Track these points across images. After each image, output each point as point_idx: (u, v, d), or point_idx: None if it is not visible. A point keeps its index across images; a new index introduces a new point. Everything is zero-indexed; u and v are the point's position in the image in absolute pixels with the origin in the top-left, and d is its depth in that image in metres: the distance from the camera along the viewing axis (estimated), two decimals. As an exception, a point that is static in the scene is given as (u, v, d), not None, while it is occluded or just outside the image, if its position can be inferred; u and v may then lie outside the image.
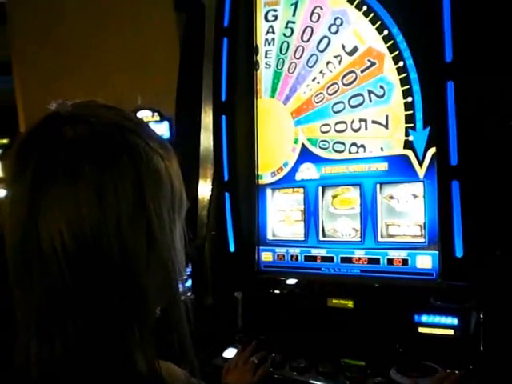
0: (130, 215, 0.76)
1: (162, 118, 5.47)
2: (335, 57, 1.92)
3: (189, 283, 2.46)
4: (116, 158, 0.77)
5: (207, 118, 2.24)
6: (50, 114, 0.81)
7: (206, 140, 2.25)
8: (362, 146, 1.85)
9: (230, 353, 1.92)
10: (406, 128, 1.76)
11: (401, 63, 1.77)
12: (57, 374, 0.75)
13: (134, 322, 0.79)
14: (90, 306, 0.75)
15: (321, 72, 1.95)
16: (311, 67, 1.97)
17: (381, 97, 1.82)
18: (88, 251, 0.74)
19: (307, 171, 1.97)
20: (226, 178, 2.13)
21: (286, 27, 2.04)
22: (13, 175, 0.78)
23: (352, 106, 1.88)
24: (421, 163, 1.73)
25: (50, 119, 0.80)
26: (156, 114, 5.50)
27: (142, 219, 0.78)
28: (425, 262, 1.72)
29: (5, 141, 6.33)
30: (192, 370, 0.88)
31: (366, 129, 1.85)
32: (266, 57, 2.09)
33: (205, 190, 2.24)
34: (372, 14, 1.83)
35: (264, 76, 2.10)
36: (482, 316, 1.58)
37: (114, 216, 0.75)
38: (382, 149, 1.81)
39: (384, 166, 1.80)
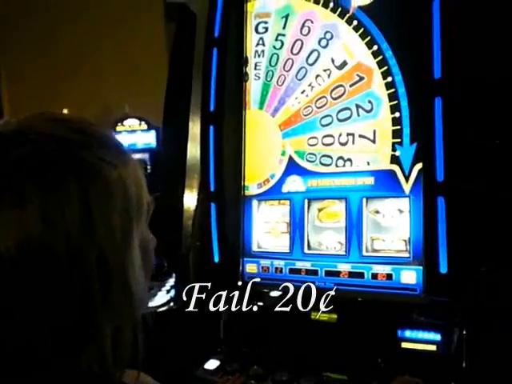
0: (79, 236, 0.74)
1: (150, 127, 5.48)
2: (324, 70, 1.92)
3: (172, 293, 2.46)
4: (60, 179, 0.74)
5: (195, 128, 2.24)
6: None
7: (193, 150, 2.24)
8: (349, 159, 1.85)
9: (211, 364, 1.91)
10: (393, 143, 1.76)
11: (389, 78, 1.78)
12: None
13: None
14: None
15: (310, 85, 1.96)
16: (300, 80, 1.98)
17: (369, 111, 1.82)
18: (35, 278, 0.73)
19: (294, 183, 1.97)
20: (212, 189, 2.13)
21: (276, 39, 2.05)
22: None
23: (340, 120, 1.88)
24: (407, 178, 1.73)
25: None
26: (143, 122, 5.52)
27: (93, 240, 0.75)
28: (409, 277, 1.72)
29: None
30: None
31: (353, 143, 1.85)
32: (255, 68, 2.10)
33: (190, 200, 2.23)
34: (362, 29, 1.83)
35: (253, 87, 2.10)
36: (464, 332, 1.59)
37: (62, 242, 0.73)
38: (368, 163, 1.81)
39: (370, 180, 1.81)
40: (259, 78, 2.09)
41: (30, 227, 0.71)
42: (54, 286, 0.73)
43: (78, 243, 0.74)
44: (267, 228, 2.05)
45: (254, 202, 2.08)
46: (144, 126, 5.53)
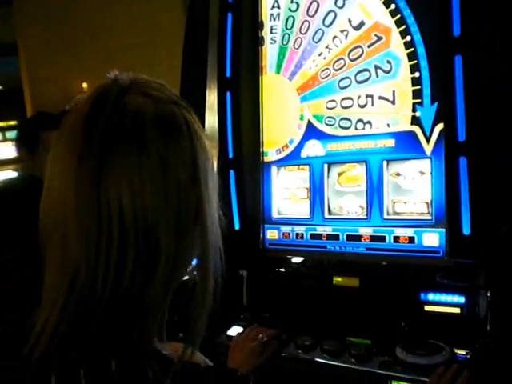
0: (187, 187, 0.80)
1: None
2: (341, 31, 1.88)
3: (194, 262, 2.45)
4: (178, 130, 0.81)
5: (212, 96, 2.21)
6: (108, 83, 0.82)
7: (211, 118, 2.22)
8: (369, 122, 1.82)
9: (234, 331, 1.91)
10: (414, 104, 1.73)
11: (408, 38, 1.73)
12: (66, 345, 0.75)
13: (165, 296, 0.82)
14: (131, 265, 0.76)
15: (327, 47, 1.92)
16: (317, 42, 1.94)
17: (388, 72, 1.78)
18: (143, 216, 0.76)
19: (313, 148, 1.95)
20: (230, 156, 2.11)
21: (292, 2, 2.00)
22: (79, 144, 0.77)
23: (358, 82, 1.85)
24: (428, 139, 1.70)
25: (110, 88, 0.81)
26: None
27: (195, 192, 0.81)
28: (431, 239, 1.70)
29: (12, 122, 6.32)
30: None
31: (372, 105, 1.82)
32: (271, 32, 2.06)
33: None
34: (379, -12, 1.79)
35: (269, 52, 2.07)
36: (488, 294, 1.57)
37: (175, 187, 0.78)
38: (388, 125, 1.78)
39: (391, 142, 1.78)
40: (275, 41, 2.05)
41: (149, 173, 0.76)
42: (156, 227, 0.77)
43: (185, 190, 0.80)
44: (287, 194, 2.04)
45: (273, 168, 2.06)
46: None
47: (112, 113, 0.77)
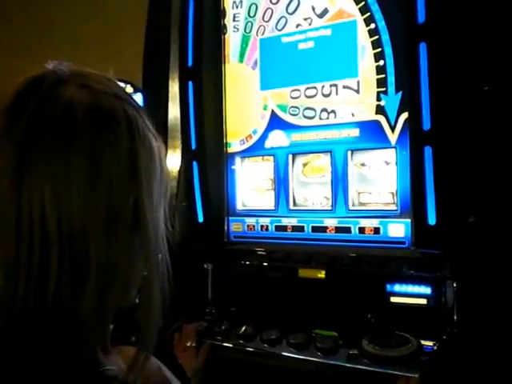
0: (121, 186, 0.73)
1: (136, 90, 5.38)
2: (305, 19, 1.85)
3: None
4: (114, 124, 0.74)
5: (175, 87, 2.17)
6: (45, 72, 0.76)
7: (174, 110, 2.17)
8: (333, 111, 1.80)
9: (200, 326, 1.88)
10: (378, 92, 1.71)
11: (372, 25, 1.71)
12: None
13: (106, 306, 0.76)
14: (56, 272, 0.69)
15: (290, 35, 1.88)
16: (280, 30, 1.90)
17: (352, 60, 1.76)
18: (68, 217, 0.69)
19: (277, 138, 1.91)
20: (193, 147, 2.06)
21: (255, -11, 1.96)
22: (1, 130, 0.72)
23: (322, 71, 1.82)
24: (393, 129, 1.68)
25: (45, 77, 0.75)
26: (129, 85, 5.41)
27: (133, 192, 0.75)
28: (397, 230, 1.68)
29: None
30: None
31: (336, 94, 1.79)
32: (234, 20, 2.02)
33: (174, 161, 2.17)
34: (343, -26, 1.76)
35: (232, 40, 2.03)
36: (455, 285, 1.55)
37: (105, 184, 0.71)
38: (353, 114, 1.76)
39: (355, 132, 1.75)
40: (238, 29, 2.01)
41: (76, 170, 0.70)
42: (85, 228, 0.71)
43: (119, 191, 0.73)
44: (251, 185, 2.00)
45: (237, 159, 2.02)
46: (130, 88, 5.42)
47: (40, 104, 0.71)
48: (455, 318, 1.56)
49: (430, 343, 1.55)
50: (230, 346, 1.80)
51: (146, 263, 0.79)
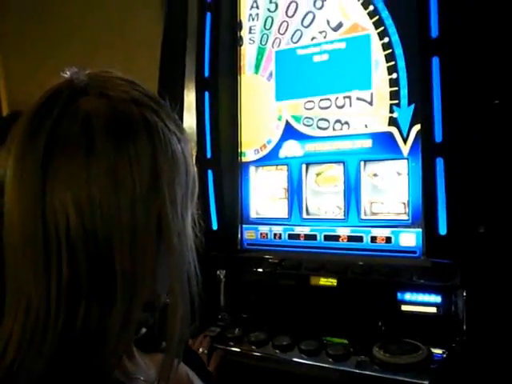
0: (144, 199, 0.72)
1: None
2: (320, 32, 1.89)
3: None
4: (134, 134, 0.73)
5: (190, 96, 2.20)
6: (62, 83, 0.76)
7: (189, 119, 2.21)
8: (346, 122, 1.83)
9: (212, 332, 1.91)
10: (391, 105, 1.74)
11: (386, 39, 1.75)
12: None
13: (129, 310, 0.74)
14: (86, 292, 0.70)
15: (305, 48, 1.92)
16: (295, 43, 1.94)
17: (366, 73, 1.79)
18: (93, 235, 0.69)
19: (291, 148, 1.95)
20: (208, 155, 2.10)
21: (271, 2, 2.01)
22: (21, 149, 0.72)
23: (336, 83, 1.86)
24: (405, 140, 1.71)
25: (63, 89, 0.74)
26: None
27: (156, 204, 0.73)
28: (408, 239, 1.71)
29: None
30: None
31: (350, 106, 1.83)
32: (250, 32, 2.06)
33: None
34: (357, -11, 1.80)
35: (248, 52, 2.07)
36: (465, 294, 1.58)
37: (128, 199, 0.70)
38: (366, 126, 1.79)
39: (368, 143, 1.78)
40: (254, 41, 2.05)
41: (97, 184, 0.69)
42: (110, 242, 0.70)
43: (142, 204, 0.72)
44: (265, 194, 2.04)
45: (252, 168, 2.06)
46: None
47: (59, 117, 0.71)
48: (465, 326, 1.58)
49: (440, 351, 1.57)
50: (242, 351, 1.82)
51: (172, 271, 0.77)
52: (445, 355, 1.56)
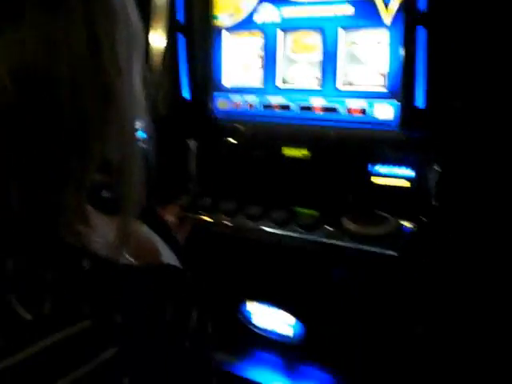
0: (84, 65, 0.66)
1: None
2: None
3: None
4: None
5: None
6: None
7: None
8: (327, -14, 1.73)
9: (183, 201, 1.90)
10: (374, -31, 1.65)
11: None
12: None
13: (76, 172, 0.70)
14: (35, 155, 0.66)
15: None
16: None
17: None
18: (31, 104, 0.64)
19: (267, 13, 1.85)
20: (180, 19, 1.99)
21: None
22: None
23: None
24: (388, 8, 1.63)
25: None
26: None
27: (96, 61, 0.67)
28: (385, 111, 1.67)
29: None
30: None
31: (331, -33, 1.72)
32: None
33: (159, 36, 2.08)
34: None
35: None
36: (437, 168, 1.57)
37: (65, 67, 0.64)
38: (347, -9, 1.70)
39: (349, 9, 1.69)
40: None
41: (29, 49, 0.63)
42: (52, 117, 0.66)
43: (82, 68, 0.66)
44: (239, 62, 1.96)
45: (225, 34, 1.96)
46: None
47: None
48: (435, 201, 1.58)
49: (410, 224, 1.59)
50: (212, 220, 1.83)
51: (120, 132, 0.74)
52: (414, 229, 1.57)
